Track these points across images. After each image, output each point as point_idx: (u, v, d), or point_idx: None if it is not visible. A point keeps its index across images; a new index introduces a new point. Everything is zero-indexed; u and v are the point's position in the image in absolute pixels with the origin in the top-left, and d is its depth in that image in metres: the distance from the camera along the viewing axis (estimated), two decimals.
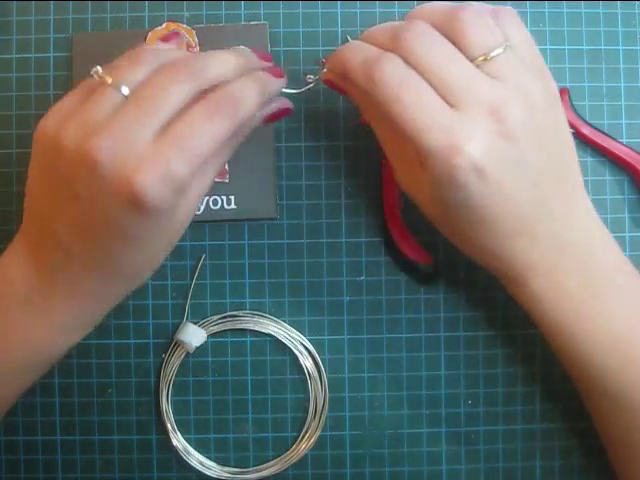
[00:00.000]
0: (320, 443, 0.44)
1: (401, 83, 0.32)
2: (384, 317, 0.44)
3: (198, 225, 0.44)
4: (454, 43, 0.33)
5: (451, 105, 0.32)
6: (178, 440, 0.44)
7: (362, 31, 0.37)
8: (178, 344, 0.44)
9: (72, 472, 0.44)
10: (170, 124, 0.32)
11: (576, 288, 0.36)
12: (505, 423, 0.44)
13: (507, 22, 0.34)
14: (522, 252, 0.35)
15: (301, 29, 0.45)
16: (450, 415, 0.44)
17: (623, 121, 0.45)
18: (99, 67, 0.33)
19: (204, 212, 0.44)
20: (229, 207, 0.44)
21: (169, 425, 0.44)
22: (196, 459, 0.44)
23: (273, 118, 0.38)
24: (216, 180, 0.43)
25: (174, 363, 0.44)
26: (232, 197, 0.44)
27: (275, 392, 0.44)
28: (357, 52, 0.35)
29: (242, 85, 0.34)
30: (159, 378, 0.44)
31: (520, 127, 0.33)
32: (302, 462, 0.44)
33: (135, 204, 0.31)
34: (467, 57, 0.33)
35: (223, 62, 0.34)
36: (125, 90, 0.32)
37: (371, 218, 0.44)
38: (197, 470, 0.44)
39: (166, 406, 0.44)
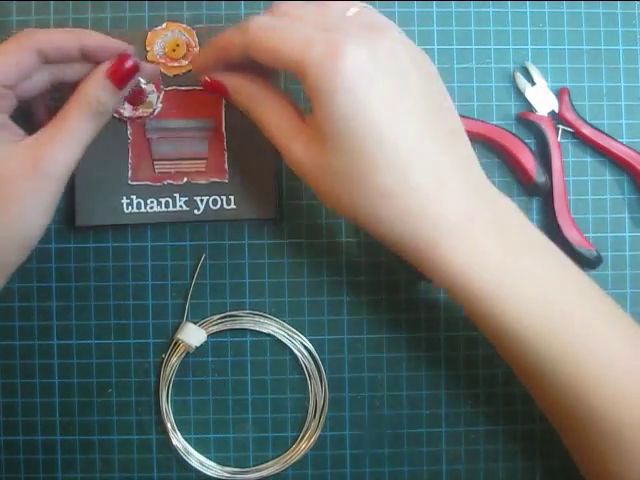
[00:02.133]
0: (320, 443, 0.44)
1: (274, 23, 0.35)
2: (384, 317, 0.44)
3: (198, 225, 0.44)
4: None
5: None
6: (178, 440, 0.44)
7: None
8: (178, 344, 0.44)
9: (72, 472, 0.44)
10: None
11: (496, 247, 0.34)
12: (505, 423, 0.44)
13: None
14: (432, 199, 0.34)
15: None
16: (450, 415, 0.44)
17: (623, 121, 0.45)
18: None
19: (203, 212, 0.44)
20: (229, 207, 0.44)
21: (169, 425, 0.44)
22: (196, 459, 0.44)
23: (122, 75, 0.37)
24: (216, 180, 0.44)
25: (174, 363, 0.44)
26: (232, 197, 0.44)
27: (275, 392, 0.44)
28: (227, 31, 0.37)
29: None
30: (159, 378, 0.44)
31: (400, 47, 0.34)
32: (302, 462, 0.44)
33: None
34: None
35: None
36: None
37: None
38: (197, 470, 0.44)
39: (166, 406, 0.44)
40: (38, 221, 0.37)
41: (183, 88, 0.44)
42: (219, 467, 0.44)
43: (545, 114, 0.44)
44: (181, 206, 0.44)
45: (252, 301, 0.44)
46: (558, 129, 0.44)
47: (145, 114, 0.43)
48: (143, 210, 0.43)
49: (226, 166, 0.44)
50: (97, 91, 0.37)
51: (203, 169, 0.44)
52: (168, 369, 0.44)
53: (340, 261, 0.44)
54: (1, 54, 0.36)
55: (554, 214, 0.43)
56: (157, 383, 0.44)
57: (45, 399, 0.44)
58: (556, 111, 0.44)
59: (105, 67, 0.37)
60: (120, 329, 0.44)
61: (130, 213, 0.43)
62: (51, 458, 0.44)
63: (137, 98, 0.43)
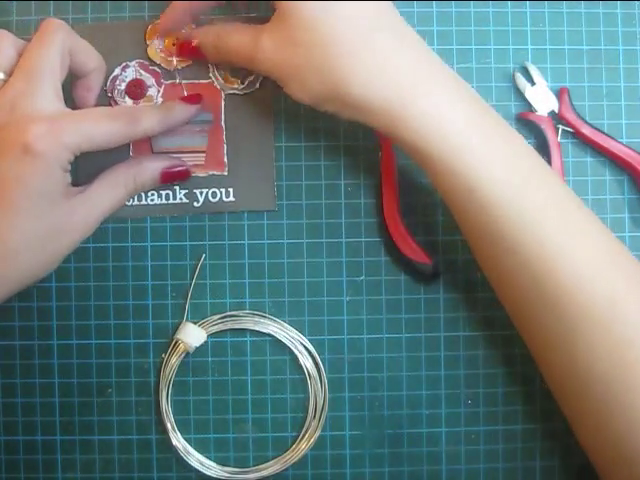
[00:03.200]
0: (320, 443, 0.44)
1: None
2: (384, 317, 0.44)
3: (198, 225, 0.44)
4: None
5: None
6: (178, 440, 0.44)
7: None
8: (178, 344, 0.44)
9: (72, 472, 0.44)
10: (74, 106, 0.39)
11: (461, 104, 0.36)
12: (505, 423, 0.44)
13: None
14: (397, 54, 0.36)
15: None
16: (450, 415, 0.44)
17: (623, 121, 0.45)
18: None
19: (203, 204, 0.44)
20: (228, 199, 0.44)
21: (169, 425, 0.44)
22: (196, 459, 0.44)
23: (171, 177, 0.43)
24: (215, 173, 0.44)
25: (174, 363, 0.44)
26: (231, 189, 0.44)
27: (275, 392, 0.44)
28: None
29: (146, 110, 0.40)
30: (159, 378, 0.44)
31: None
32: (302, 462, 0.44)
33: (27, 151, 0.35)
34: None
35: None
36: (1, 75, 0.38)
37: (371, 218, 0.44)
38: (197, 470, 0.44)
39: (166, 406, 0.44)
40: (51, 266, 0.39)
41: (184, 82, 0.44)
42: (219, 467, 0.44)
43: (545, 114, 0.44)
44: (181, 198, 0.44)
45: (252, 301, 0.44)
46: (558, 129, 0.44)
47: None
48: (144, 202, 0.44)
49: (225, 159, 0.44)
50: (146, 181, 0.42)
51: (202, 162, 0.44)
52: (168, 369, 0.44)
53: (340, 261, 0.44)
54: (53, 57, 0.37)
55: None
56: (157, 383, 0.44)
57: (45, 399, 0.44)
58: (556, 111, 0.44)
59: (163, 165, 0.42)
60: (120, 329, 0.44)
61: (131, 205, 0.44)
62: (51, 458, 0.44)
63: (138, 92, 0.43)
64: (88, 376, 0.44)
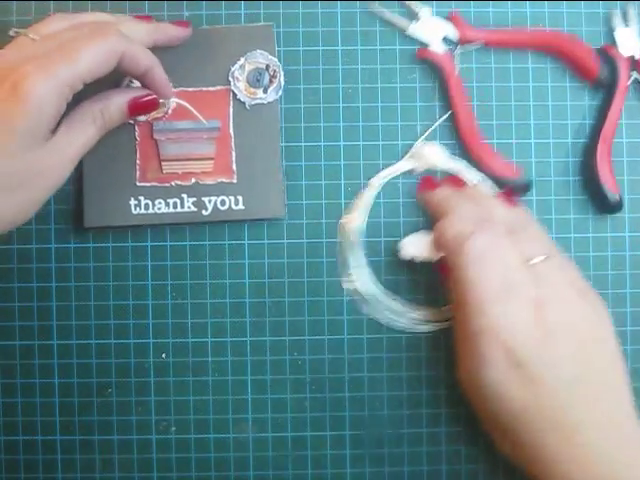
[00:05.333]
0: (320, 443, 0.44)
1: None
2: None
3: (198, 225, 0.44)
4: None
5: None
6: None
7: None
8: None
9: (72, 472, 0.44)
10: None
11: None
12: None
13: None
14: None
15: (301, 29, 0.45)
16: (450, 415, 0.44)
17: None
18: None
19: (212, 213, 0.43)
20: (237, 207, 0.44)
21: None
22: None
23: (138, 107, 0.40)
24: (223, 180, 0.44)
25: (174, 362, 0.44)
26: (240, 197, 0.44)
27: (275, 392, 0.44)
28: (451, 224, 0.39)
29: (119, 20, 0.40)
30: (159, 378, 0.44)
31: (561, 326, 0.36)
32: (302, 462, 0.44)
33: (15, 89, 0.34)
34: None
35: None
36: (34, 36, 0.38)
37: (371, 218, 0.44)
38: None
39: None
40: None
41: (190, 89, 0.44)
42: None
43: (625, 55, 0.44)
44: (189, 207, 0.43)
45: (252, 301, 0.44)
46: (632, 75, 0.44)
47: (160, 114, 0.43)
48: (151, 211, 0.43)
49: (234, 166, 0.44)
50: (114, 114, 0.39)
51: (210, 169, 0.44)
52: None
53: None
54: (94, 53, 0.36)
55: (595, 154, 0.44)
56: (157, 383, 0.44)
57: (45, 399, 0.44)
58: (636, 57, 0.44)
59: (129, 96, 0.40)
60: (120, 329, 0.44)
61: (138, 214, 0.43)
62: (51, 458, 0.44)
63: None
64: (88, 376, 0.44)
